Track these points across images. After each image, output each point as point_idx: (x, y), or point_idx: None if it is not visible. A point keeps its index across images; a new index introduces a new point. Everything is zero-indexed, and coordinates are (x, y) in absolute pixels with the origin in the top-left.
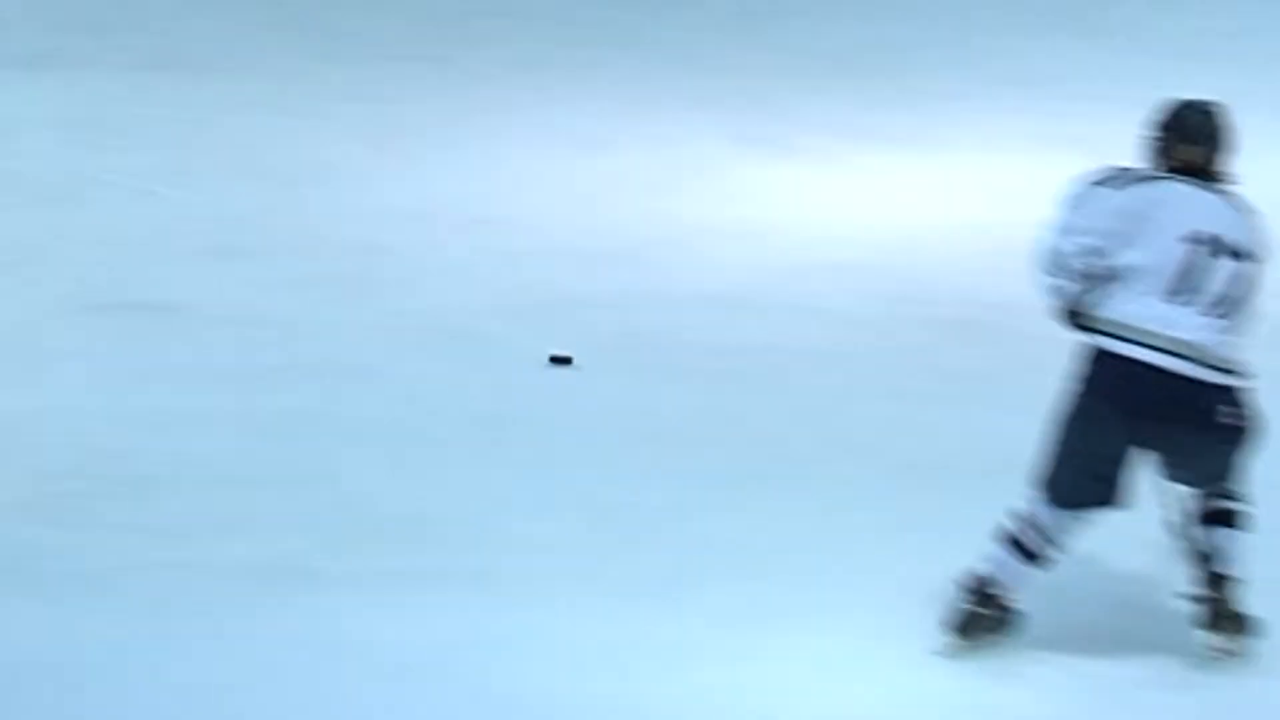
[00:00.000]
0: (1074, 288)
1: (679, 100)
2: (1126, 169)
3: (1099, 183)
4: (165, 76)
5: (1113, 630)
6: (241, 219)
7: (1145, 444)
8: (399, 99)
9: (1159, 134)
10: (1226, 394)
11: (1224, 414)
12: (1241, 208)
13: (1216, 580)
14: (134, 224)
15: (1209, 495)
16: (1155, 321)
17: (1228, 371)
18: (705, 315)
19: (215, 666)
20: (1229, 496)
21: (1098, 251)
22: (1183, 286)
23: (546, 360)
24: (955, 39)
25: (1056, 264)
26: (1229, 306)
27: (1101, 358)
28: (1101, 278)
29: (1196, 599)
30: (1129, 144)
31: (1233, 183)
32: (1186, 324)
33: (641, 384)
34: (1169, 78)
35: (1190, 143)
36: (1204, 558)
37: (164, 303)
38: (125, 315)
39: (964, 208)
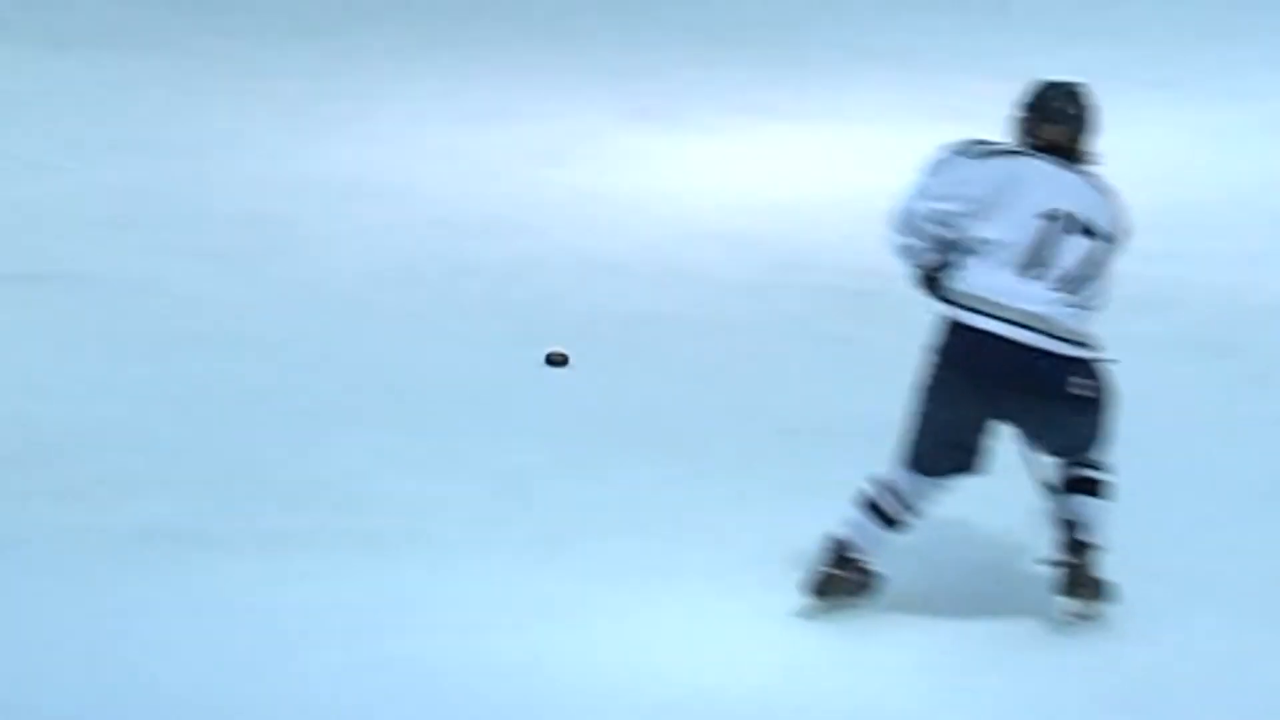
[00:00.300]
0: (923, 250)
1: (570, 74)
2: (989, 142)
3: (960, 152)
4: (65, 53)
5: (974, 593)
6: (143, 191)
7: (1001, 415)
8: (297, 74)
9: (1024, 113)
10: (1078, 365)
11: (1075, 385)
12: (1101, 188)
13: (1077, 547)
14: (34, 197)
15: (1071, 464)
16: (1006, 294)
17: (1079, 344)
18: (592, 283)
19: (115, 629)
20: (1091, 465)
21: (950, 218)
22: (1035, 261)
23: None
24: (839, 13)
25: (908, 225)
26: (1080, 283)
27: (956, 329)
28: (952, 245)
29: (1057, 564)
30: (1004, 116)
31: (1094, 162)
32: (1037, 297)
33: (527, 350)
34: (1043, 50)
35: (1053, 122)
36: (1066, 525)
37: (64, 273)
38: (25, 286)
39: (845, 178)
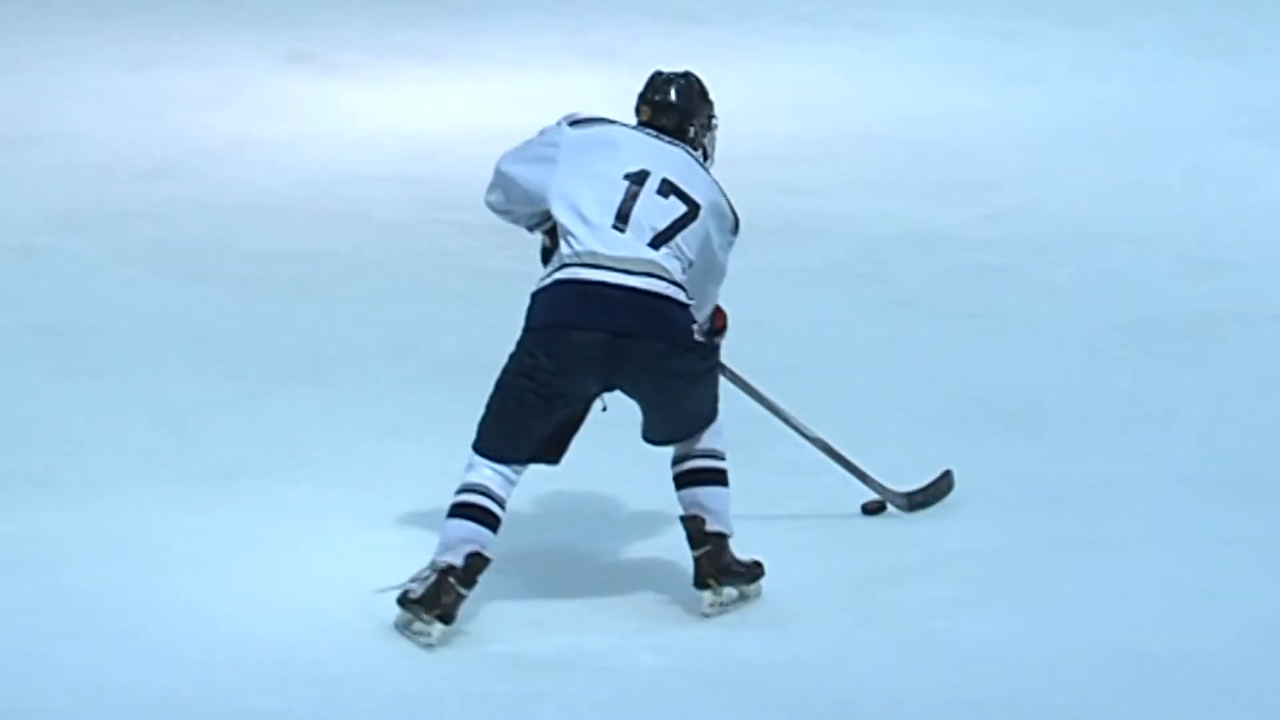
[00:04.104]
0: (507, 210)
1: (225, 20)
2: (595, 116)
3: (568, 122)
4: None
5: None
6: None
7: (623, 377)
8: None
9: (638, 99)
10: (689, 312)
11: (698, 331)
12: (700, 164)
13: (709, 538)
14: None
15: (691, 456)
16: (609, 245)
17: (689, 296)
18: (253, 224)
19: None
20: (708, 455)
21: (534, 185)
22: (627, 216)
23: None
24: None
25: (494, 182)
26: (676, 243)
27: (557, 289)
28: (538, 218)
29: (695, 559)
30: (657, 56)
31: (698, 145)
32: (640, 247)
33: (195, 290)
34: None
35: (650, 104)
36: (691, 519)
37: None
38: None
39: (499, 118)
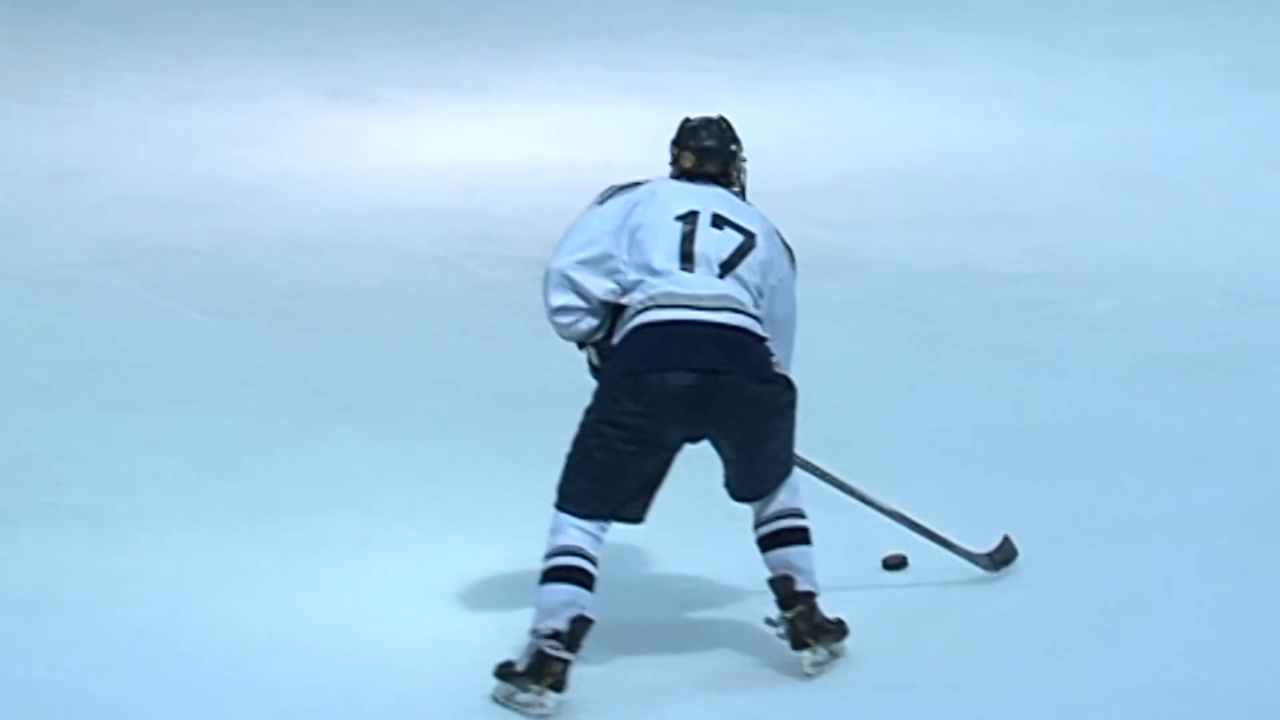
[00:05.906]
0: (580, 310)
1: (264, 55)
2: (621, 184)
3: (597, 202)
4: None
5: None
6: None
7: (712, 418)
8: None
9: (671, 146)
10: (766, 345)
11: (777, 364)
12: (738, 196)
13: (799, 598)
14: None
15: (776, 516)
16: (682, 284)
17: (762, 325)
18: (293, 259)
19: None
20: (794, 514)
21: (602, 263)
22: (691, 255)
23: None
24: None
25: (558, 284)
26: (739, 273)
27: (636, 334)
28: (615, 300)
29: (784, 620)
30: (696, 90)
31: (737, 185)
32: (711, 282)
33: (235, 325)
34: (728, 23)
35: (689, 151)
36: (782, 579)
37: None
38: None
39: (541, 153)
